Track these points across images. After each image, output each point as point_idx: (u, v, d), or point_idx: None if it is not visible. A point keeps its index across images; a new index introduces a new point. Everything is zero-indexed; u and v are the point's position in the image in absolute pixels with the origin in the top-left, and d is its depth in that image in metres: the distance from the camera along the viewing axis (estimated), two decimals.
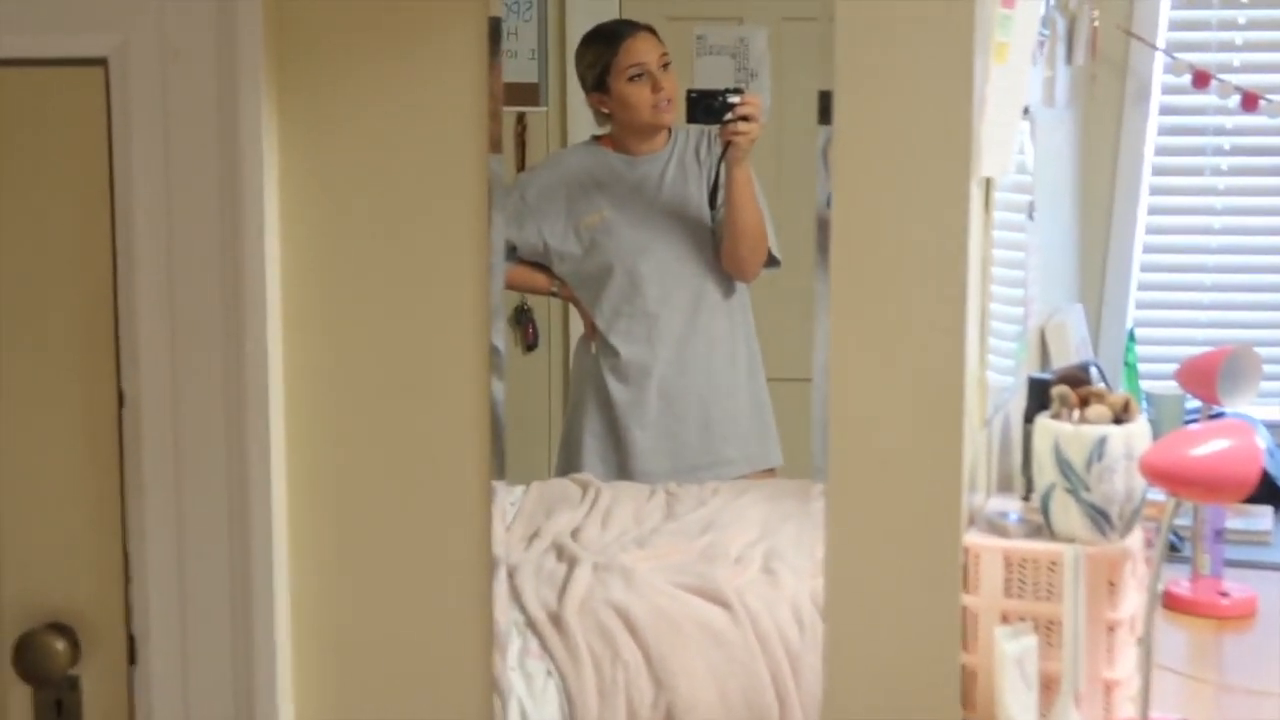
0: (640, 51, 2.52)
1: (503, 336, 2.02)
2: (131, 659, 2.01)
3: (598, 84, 2.54)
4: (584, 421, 2.62)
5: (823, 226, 1.97)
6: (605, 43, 2.53)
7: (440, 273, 2.01)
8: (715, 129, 2.47)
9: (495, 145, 1.97)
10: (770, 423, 2.60)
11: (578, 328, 2.67)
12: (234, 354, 1.94)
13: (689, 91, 2.44)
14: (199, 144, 1.91)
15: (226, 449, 1.95)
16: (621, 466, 2.60)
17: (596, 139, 2.59)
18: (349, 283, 2.02)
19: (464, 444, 2.03)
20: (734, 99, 2.41)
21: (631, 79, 2.52)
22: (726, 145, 2.45)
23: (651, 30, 2.54)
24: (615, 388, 2.58)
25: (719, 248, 2.53)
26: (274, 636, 1.98)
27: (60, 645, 2.00)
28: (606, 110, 2.56)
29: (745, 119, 2.42)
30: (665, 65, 2.53)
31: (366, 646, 2.07)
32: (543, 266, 2.57)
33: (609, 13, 2.57)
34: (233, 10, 1.89)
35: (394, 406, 2.04)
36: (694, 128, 2.51)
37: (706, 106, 2.42)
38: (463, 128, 1.98)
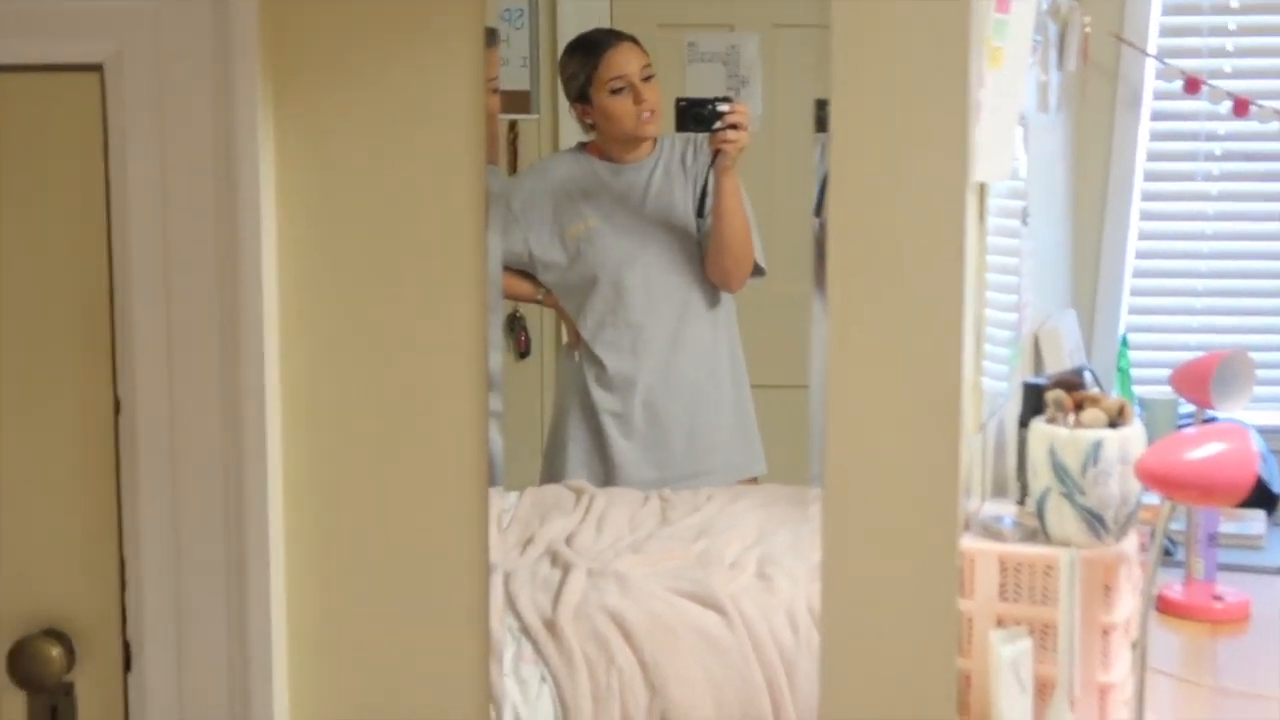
0: (621, 63, 2.50)
1: (500, 348, 2.02)
2: (127, 665, 2.00)
3: (580, 95, 2.53)
4: (568, 430, 2.61)
5: (820, 233, 1.97)
6: (586, 54, 2.51)
7: (436, 280, 2.01)
8: (701, 136, 2.46)
9: (492, 157, 1.97)
10: (754, 432, 2.59)
11: None
12: (230, 360, 1.94)
13: (678, 100, 2.43)
14: (195, 151, 1.91)
15: (222, 455, 1.95)
16: (606, 476, 2.59)
17: (582, 146, 2.58)
18: (345, 289, 2.02)
19: (460, 451, 2.03)
20: (723, 107, 2.40)
21: (613, 91, 2.51)
22: (715, 154, 2.44)
23: (634, 41, 2.52)
24: (600, 397, 2.57)
25: (704, 257, 2.52)
26: (270, 643, 1.98)
27: (55, 652, 1.99)
28: (590, 121, 2.55)
29: (734, 127, 2.41)
30: (648, 77, 2.51)
31: (363, 653, 2.06)
32: (528, 274, 2.56)
33: (600, 20, 2.55)
34: (228, 18, 1.88)
35: (390, 413, 2.04)
36: (679, 135, 2.50)
37: (696, 115, 2.41)
38: (459, 138, 1.98)
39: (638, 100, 2.50)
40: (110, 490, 1.98)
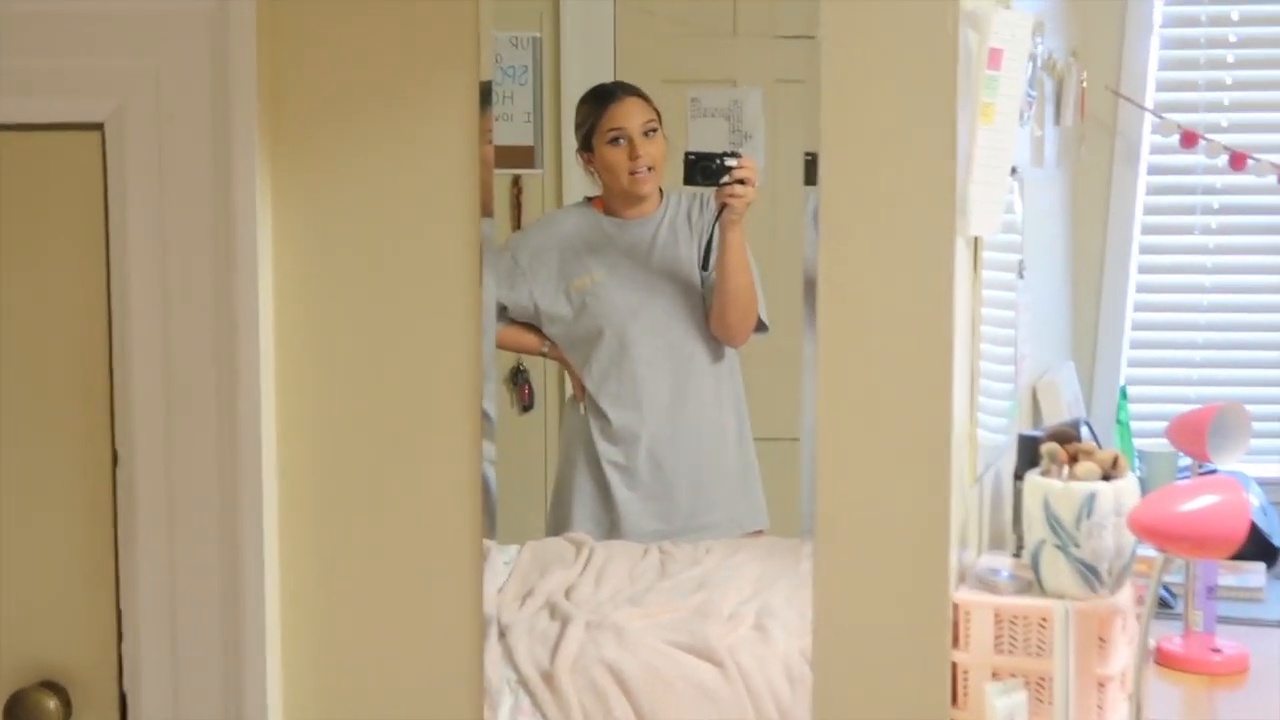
0: (622, 116, 2.53)
1: (494, 398, 2.03)
2: (123, 717, 2.01)
3: (585, 143, 2.56)
4: (574, 482, 2.61)
5: (810, 287, 1.99)
6: (594, 104, 2.55)
7: (433, 335, 2.03)
8: (708, 192, 2.47)
9: (487, 209, 2.00)
10: (757, 486, 2.59)
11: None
12: (227, 414, 1.96)
13: (686, 154, 2.44)
14: (194, 208, 1.93)
15: (220, 508, 1.96)
16: (611, 528, 2.59)
17: (589, 200, 2.60)
18: (342, 344, 2.04)
19: (456, 504, 2.04)
20: (731, 162, 2.41)
21: (610, 142, 2.53)
22: (722, 208, 2.46)
23: (642, 96, 2.55)
24: (605, 450, 2.58)
25: (709, 312, 2.54)
26: (264, 695, 1.98)
27: (52, 703, 2.00)
28: (592, 170, 2.57)
29: (742, 182, 2.42)
30: (649, 132, 2.53)
31: (359, 705, 2.07)
32: (533, 327, 2.58)
33: (604, 75, 2.58)
34: (227, 77, 1.91)
35: (386, 467, 2.05)
36: (687, 191, 2.51)
37: (704, 169, 2.43)
38: (455, 191, 2.00)
39: (633, 155, 2.52)
40: (108, 542, 1.99)
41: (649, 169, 2.53)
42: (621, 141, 2.52)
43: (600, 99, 2.55)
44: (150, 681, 1.98)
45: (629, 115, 2.52)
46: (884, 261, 1.94)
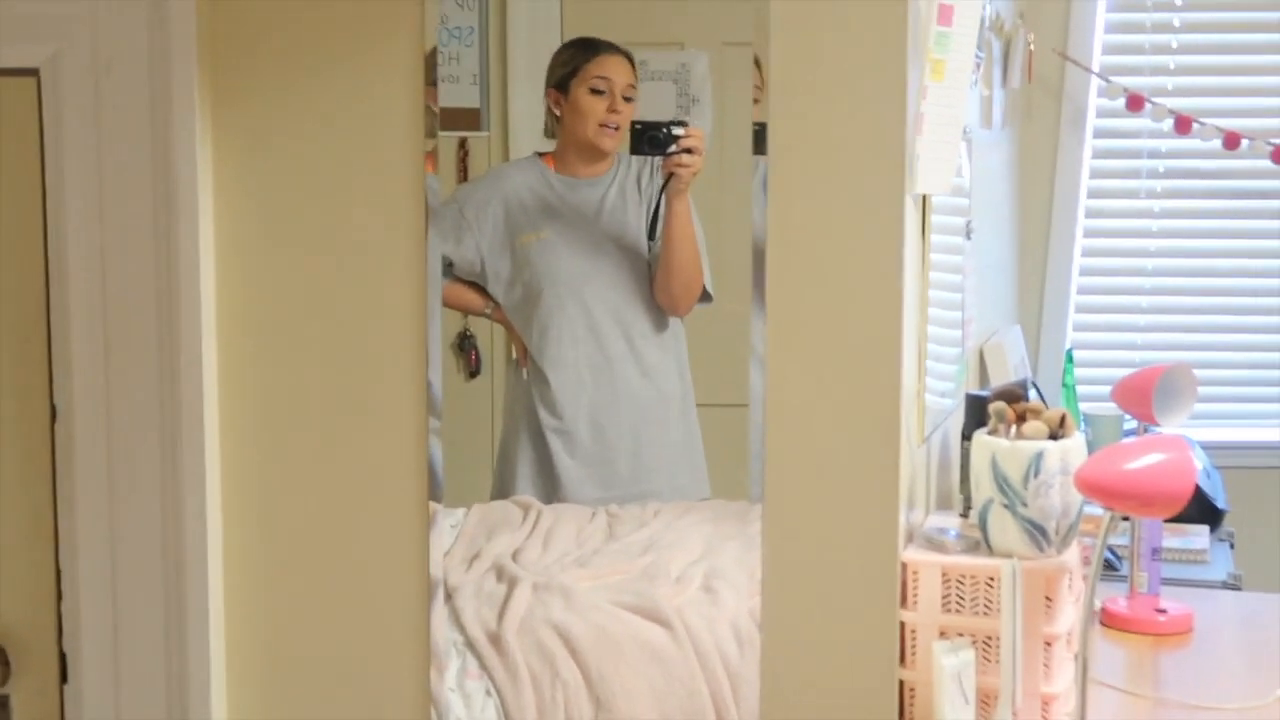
0: (612, 69, 2.51)
1: (441, 363, 2.01)
2: (63, 677, 1.99)
3: (560, 83, 2.53)
4: (517, 448, 2.59)
5: (758, 252, 1.98)
6: (583, 49, 2.53)
7: (377, 294, 2.00)
8: (658, 159, 2.46)
9: (432, 164, 1.97)
10: (700, 455, 2.58)
11: None
12: (168, 369, 1.93)
13: (633, 123, 2.43)
14: (132, 158, 1.90)
15: (161, 465, 1.94)
16: (553, 493, 2.58)
17: (540, 155, 2.58)
18: (285, 300, 2.01)
19: (401, 466, 2.02)
20: (678, 131, 2.40)
21: (593, 90, 2.52)
22: (668, 177, 2.45)
23: (630, 60, 2.54)
24: (546, 416, 2.56)
25: (653, 280, 2.52)
26: (208, 655, 1.96)
27: None
28: (558, 113, 2.54)
29: (689, 151, 2.42)
30: (629, 98, 2.52)
31: (302, 666, 2.05)
32: (478, 286, 2.55)
33: (551, 37, 2.56)
34: (166, 24, 1.88)
35: (331, 424, 2.03)
36: (638, 156, 2.50)
37: (651, 138, 2.41)
38: (399, 148, 1.98)
39: (611, 108, 2.50)
40: (47, 499, 1.96)
41: (617, 128, 2.51)
42: (604, 92, 2.50)
43: (591, 46, 2.52)
44: (91, 641, 1.96)
45: (618, 70, 2.50)
46: (833, 225, 1.93)
